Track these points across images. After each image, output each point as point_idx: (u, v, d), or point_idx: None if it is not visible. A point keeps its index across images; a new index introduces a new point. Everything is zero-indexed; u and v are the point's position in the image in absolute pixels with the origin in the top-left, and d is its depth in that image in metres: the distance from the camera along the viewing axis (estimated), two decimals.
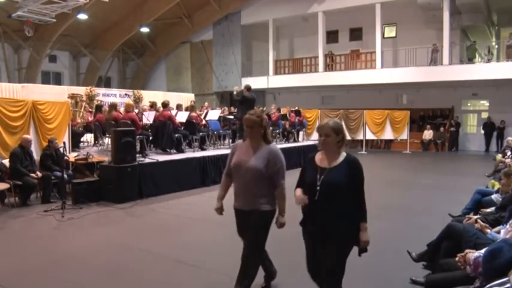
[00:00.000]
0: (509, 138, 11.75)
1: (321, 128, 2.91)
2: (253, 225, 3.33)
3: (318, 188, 2.83)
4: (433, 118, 20.34)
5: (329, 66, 21.06)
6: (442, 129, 19.02)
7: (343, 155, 2.91)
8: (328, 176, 2.84)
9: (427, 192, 9.01)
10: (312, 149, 13.94)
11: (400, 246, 4.77)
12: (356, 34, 21.66)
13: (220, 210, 3.52)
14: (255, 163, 3.29)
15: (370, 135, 18.32)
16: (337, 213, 2.80)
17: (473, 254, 3.02)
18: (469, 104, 20.32)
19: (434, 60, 17.80)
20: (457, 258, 3.16)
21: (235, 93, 11.45)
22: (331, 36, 21.73)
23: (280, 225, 3.38)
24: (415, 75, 17.96)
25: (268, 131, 3.47)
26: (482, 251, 2.93)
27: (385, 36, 20.16)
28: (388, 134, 18.38)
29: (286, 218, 3.39)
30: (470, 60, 17.70)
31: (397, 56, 19.95)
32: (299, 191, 2.98)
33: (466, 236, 3.70)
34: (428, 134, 19.20)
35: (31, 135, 7.89)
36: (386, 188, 9.58)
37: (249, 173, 3.30)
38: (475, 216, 4.44)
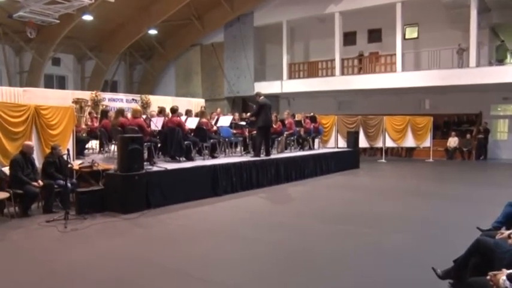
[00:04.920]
0: None
1: None
2: None
3: None
4: (459, 124, 20.11)
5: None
6: (468, 136, 18.77)
7: None
8: None
9: (453, 203, 8.84)
10: (329, 157, 13.86)
11: (424, 262, 4.67)
12: (375, 35, 21.58)
13: None
14: None
15: (390, 143, 18.16)
16: None
17: (503, 276, 2.95)
18: (499, 109, 20.02)
19: (462, 61, 17.57)
20: (488, 277, 3.08)
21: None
22: (349, 38, 21.68)
23: None
24: (439, 78, 17.76)
25: None
26: None
27: (406, 37, 20.05)
28: (409, 142, 18.21)
29: None
30: (500, 61, 17.42)
31: (419, 59, 19.79)
32: None
33: (499, 252, 3.59)
34: (453, 142, 18.96)
35: (33, 142, 7.95)
36: (407, 199, 9.43)
37: None
38: (508, 231, 4.33)
